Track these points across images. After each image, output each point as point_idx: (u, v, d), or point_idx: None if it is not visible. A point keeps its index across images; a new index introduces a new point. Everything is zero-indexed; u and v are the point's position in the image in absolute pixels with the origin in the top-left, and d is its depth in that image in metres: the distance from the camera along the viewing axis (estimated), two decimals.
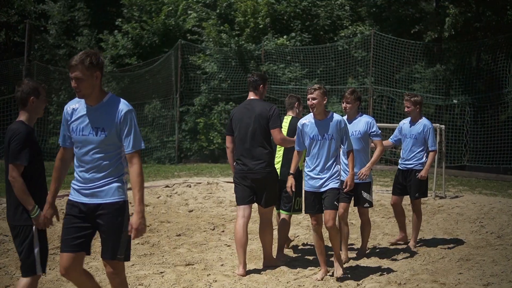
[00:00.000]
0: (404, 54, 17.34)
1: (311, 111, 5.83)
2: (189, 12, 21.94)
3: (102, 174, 3.94)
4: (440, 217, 9.40)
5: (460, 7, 16.22)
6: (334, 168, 5.76)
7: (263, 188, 6.18)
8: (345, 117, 6.69)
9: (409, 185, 7.48)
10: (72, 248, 3.97)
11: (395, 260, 6.75)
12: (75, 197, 4.01)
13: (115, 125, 3.90)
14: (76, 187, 4.01)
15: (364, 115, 6.82)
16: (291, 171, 5.99)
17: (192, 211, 10.04)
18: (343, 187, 5.91)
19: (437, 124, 11.42)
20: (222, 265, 6.40)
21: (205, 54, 20.22)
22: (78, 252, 3.99)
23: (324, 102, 5.78)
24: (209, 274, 5.99)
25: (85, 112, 3.96)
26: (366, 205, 6.86)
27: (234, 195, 6.43)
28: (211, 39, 20.29)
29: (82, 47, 22.78)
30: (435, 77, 17.60)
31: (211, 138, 19.55)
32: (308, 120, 5.87)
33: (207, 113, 20.07)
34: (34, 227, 4.27)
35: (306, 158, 5.92)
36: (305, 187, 5.92)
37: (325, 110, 5.84)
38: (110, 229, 3.93)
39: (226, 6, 21.09)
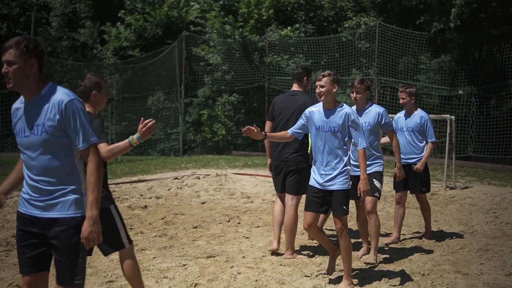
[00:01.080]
0: (409, 45, 17.32)
1: (319, 99, 5.45)
2: (191, 3, 21.88)
3: (54, 181, 3.37)
4: (453, 208, 9.43)
5: None
6: (341, 166, 5.27)
7: (295, 177, 6.40)
8: (354, 107, 6.42)
9: (413, 180, 7.26)
10: (33, 268, 3.45)
11: (416, 251, 6.76)
12: (25, 209, 3.46)
13: (58, 121, 3.33)
14: (26, 196, 3.45)
15: (374, 105, 6.52)
16: (263, 132, 5.58)
17: (204, 203, 10.06)
18: (358, 195, 5.40)
19: (447, 115, 11.42)
20: (243, 257, 6.40)
21: (209, 45, 20.17)
22: (39, 272, 3.47)
23: (334, 90, 5.34)
24: (232, 266, 5.99)
25: (23, 110, 3.42)
26: (376, 194, 6.37)
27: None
28: (214, 31, 20.24)
29: (85, 39, 22.71)
30: (440, 68, 17.58)
31: (215, 129, 19.55)
32: (317, 108, 5.45)
33: (210, 105, 20.06)
34: (111, 206, 4.39)
35: (313, 151, 5.52)
36: (310, 181, 5.51)
37: (335, 99, 5.42)
38: (66, 250, 3.36)
39: None
